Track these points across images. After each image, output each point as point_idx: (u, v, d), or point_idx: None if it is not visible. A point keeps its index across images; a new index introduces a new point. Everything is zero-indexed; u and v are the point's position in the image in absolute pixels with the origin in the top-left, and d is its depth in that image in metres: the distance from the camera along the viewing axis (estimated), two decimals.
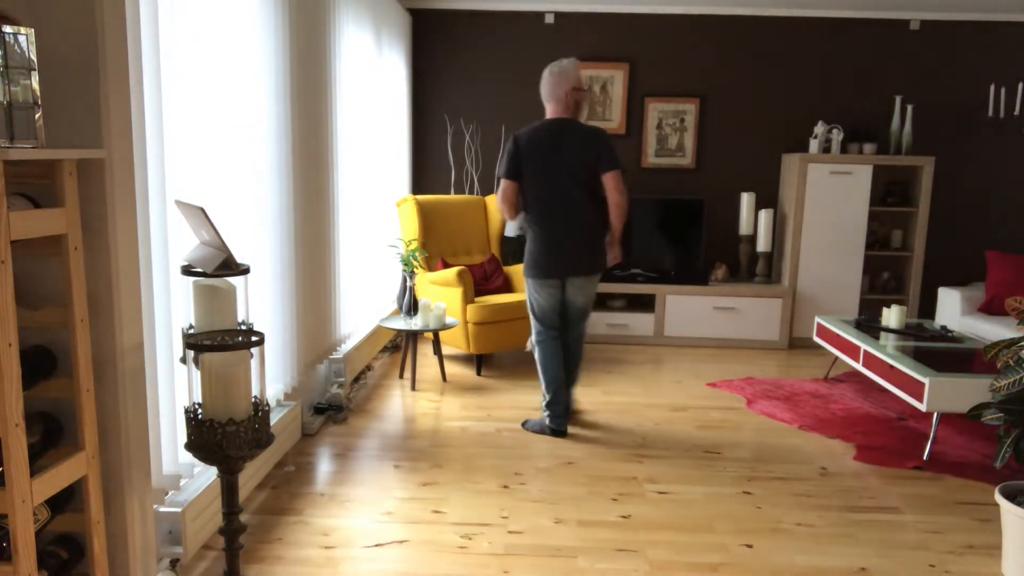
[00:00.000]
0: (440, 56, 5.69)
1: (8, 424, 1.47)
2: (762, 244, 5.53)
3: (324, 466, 3.15)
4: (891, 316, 4.25)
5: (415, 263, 4.27)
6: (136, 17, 1.94)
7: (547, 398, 3.57)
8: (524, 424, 3.66)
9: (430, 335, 4.98)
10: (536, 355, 3.59)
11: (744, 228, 5.54)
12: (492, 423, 3.71)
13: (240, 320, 1.99)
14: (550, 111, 3.51)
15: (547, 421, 3.57)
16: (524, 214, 3.50)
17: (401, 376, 4.51)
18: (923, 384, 3.25)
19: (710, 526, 2.69)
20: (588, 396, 4.19)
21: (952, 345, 3.92)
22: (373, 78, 4.56)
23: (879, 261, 5.73)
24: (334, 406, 3.75)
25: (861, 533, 2.66)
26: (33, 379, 1.67)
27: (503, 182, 3.46)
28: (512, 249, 5.68)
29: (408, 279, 4.29)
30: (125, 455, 1.88)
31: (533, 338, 3.62)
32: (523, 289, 4.97)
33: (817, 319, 4.61)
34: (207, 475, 2.44)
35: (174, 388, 2.25)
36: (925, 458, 3.33)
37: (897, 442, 3.55)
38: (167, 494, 2.25)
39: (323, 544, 2.49)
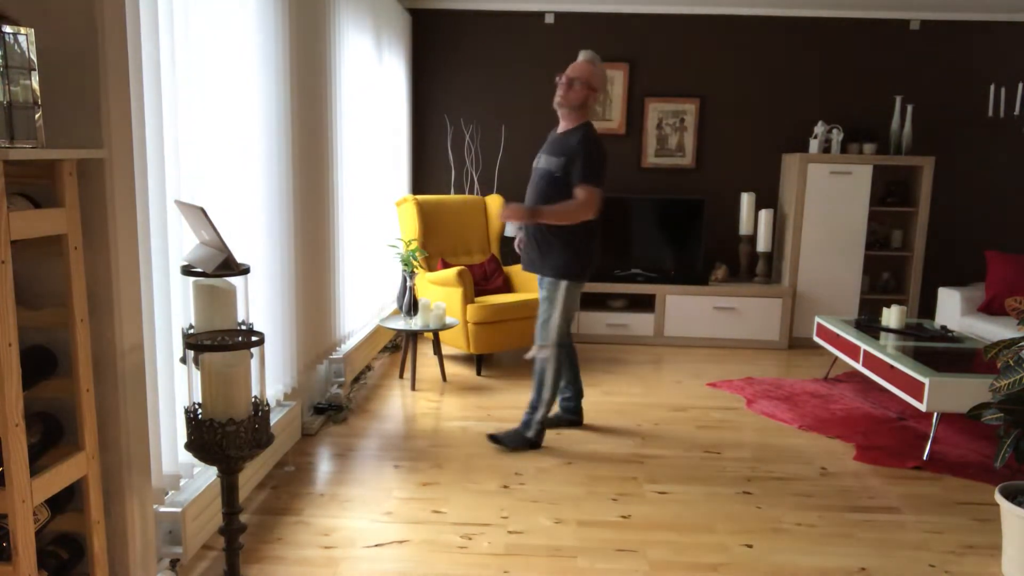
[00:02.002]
0: (440, 56, 5.69)
1: (8, 424, 1.47)
2: (762, 244, 5.53)
3: (324, 466, 3.15)
4: (891, 316, 4.25)
5: (415, 263, 4.27)
6: (136, 17, 1.94)
7: (546, 411, 3.37)
8: (499, 439, 3.38)
9: (430, 335, 4.98)
10: (553, 364, 3.34)
11: (744, 228, 5.54)
12: (492, 423, 3.71)
13: (240, 320, 1.99)
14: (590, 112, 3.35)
15: (533, 434, 3.36)
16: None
17: (401, 376, 4.51)
18: (923, 384, 3.25)
19: (710, 526, 2.69)
20: (588, 396, 4.19)
21: (952, 345, 3.92)
22: (373, 78, 4.56)
23: (879, 261, 5.73)
24: (334, 406, 3.75)
25: (861, 533, 2.66)
26: (33, 379, 1.67)
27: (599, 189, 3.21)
28: (512, 249, 5.68)
29: (408, 279, 4.29)
30: (125, 455, 1.88)
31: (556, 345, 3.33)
32: (524, 289, 4.97)
33: (817, 319, 4.61)
34: (207, 475, 2.44)
35: (174, 388, 2.25)
36: (925, 458, 3.33)
37: (897, 442, 3.55)
38: (167, 494, 2.25)
39: (323, 544, 2.49)
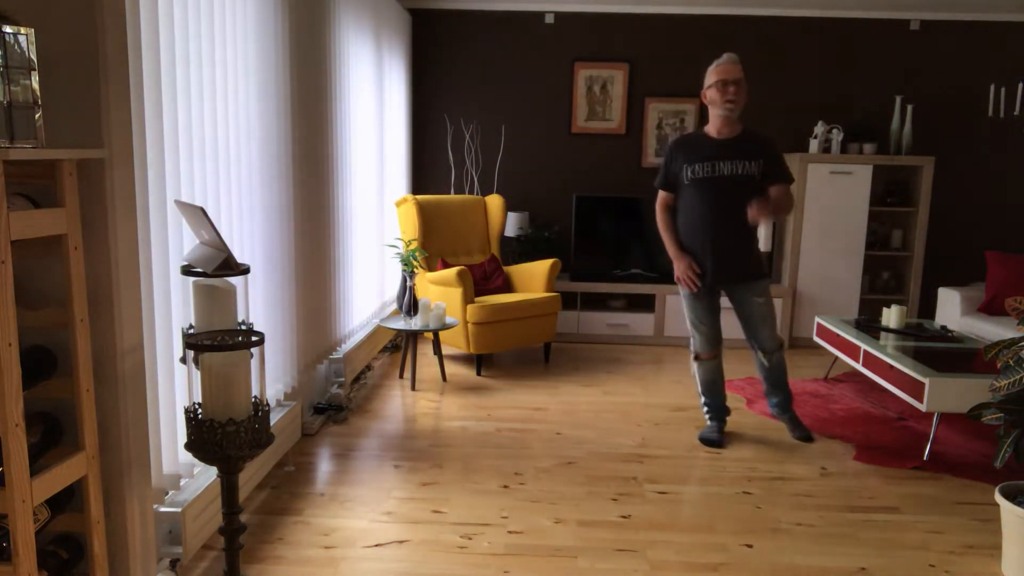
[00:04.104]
0: (440, 56, 5.69)
1: (8, 424, 1.47)
2: (762, 244, 5.50)
3: (324, 466, 3.15)
4: (891, 316, 4.25)
5: (415, 263, 4.27)
6: (136, 17, 1.94)
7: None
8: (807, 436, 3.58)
9: (430, 335, 4.98)
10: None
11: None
12: (492, 423, 3.71)
13: (240, 320, 1.99)
14: None
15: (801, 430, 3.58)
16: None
17: (401, 376, 4.51)
18: (923, 384, 3.25)
19: (710, 526, 2.69)
20: (588, 396, 4.19)
21: (952, 345, 3.92)
22: (373, 78, 4.56)
23: (879, 261, 5.73)
24: (334, 406, 3.75)
25: (861, 533, 2.66)
26: (33, 379, 1.67)
27: None
28: (512, 249, 5.68)
29: (408, 279, 4.29)
30: (125, 455, 1.88)
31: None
32: (524, 289, 4.97)
33: (817, 319, 4.61)
34: (207, 475, 2.44)
35: (174, 388, 2.25)
36: (925, 458, 3.33)
37: (897, 442, 3.55)
38: (167, 494, 2.25)
39: (323, 544, 2.49)
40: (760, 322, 3.44)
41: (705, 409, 3.63)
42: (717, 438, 3.50)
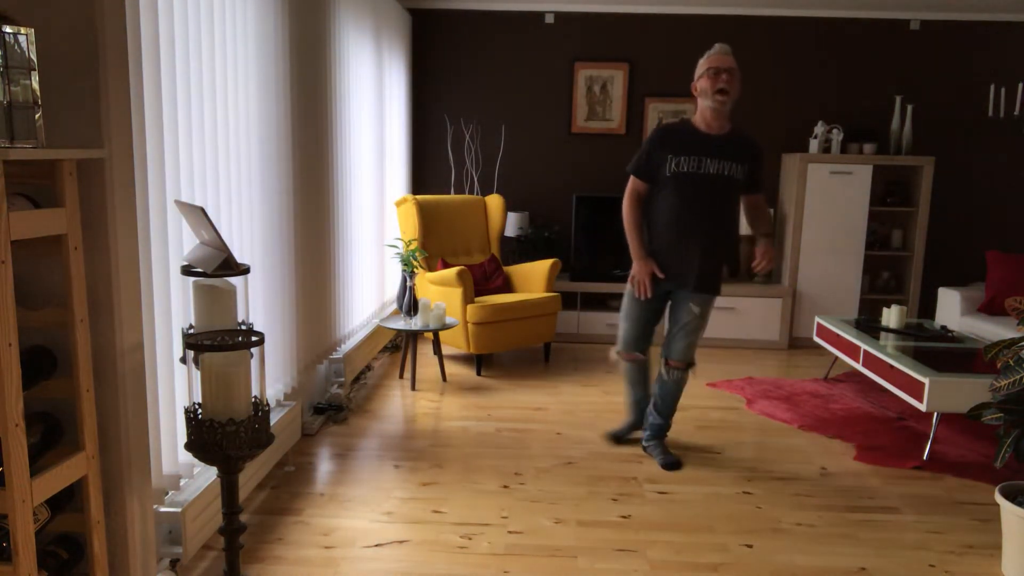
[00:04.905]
0: (440, 56, 5.69)
1: (8, 424, 1.47)
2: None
3: (324, 466, 3.15)
4: (891, 316, 4.25)
5: (415, 263, 4.27)
6: (136, 17, 1.94)
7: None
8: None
9: (430, 335, 4.98)
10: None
11: (744, 228, 5.54)
12: (492, 423, 3.71)
13: (240, 320, 1.99)
14: None
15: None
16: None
17: (401, 376, 4.51)
18: (923, 384, 3.25)
19: (710, 526, 2.69)
20: (588, 396, 4.19)
21: (952, 345, 3.92)
22: (373, 78, 4.56)
23: (879, 261, 5.73)
24: (334, 406, 3.75)
25: (861, 533, 2.66)
26: (33, 379, 1.67)
27: None
28: (512, 249, 5.68)
29: (408, 279, 4.29)
30: (125, 455, 1.88)
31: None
32: (524, 289, 4.97)
33: (817, 319, 4.61)
34: (207, 475, 2.44)
35: (174, 388, 2.25)
36: (925, 458, 3.33)
37: (897, 442, 3.55)
38: (167, 494, 2.25)
39: (323, 544, 2.49)
40: (683, 333, 3.17)
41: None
42: (621, 431, 3.45)
